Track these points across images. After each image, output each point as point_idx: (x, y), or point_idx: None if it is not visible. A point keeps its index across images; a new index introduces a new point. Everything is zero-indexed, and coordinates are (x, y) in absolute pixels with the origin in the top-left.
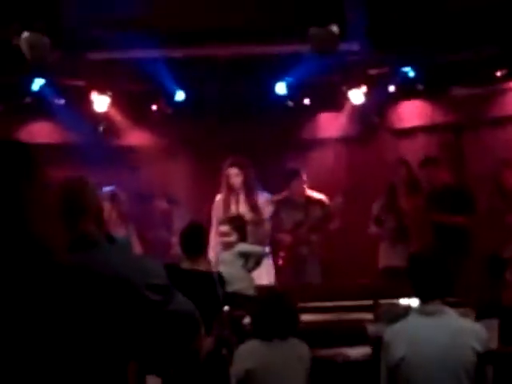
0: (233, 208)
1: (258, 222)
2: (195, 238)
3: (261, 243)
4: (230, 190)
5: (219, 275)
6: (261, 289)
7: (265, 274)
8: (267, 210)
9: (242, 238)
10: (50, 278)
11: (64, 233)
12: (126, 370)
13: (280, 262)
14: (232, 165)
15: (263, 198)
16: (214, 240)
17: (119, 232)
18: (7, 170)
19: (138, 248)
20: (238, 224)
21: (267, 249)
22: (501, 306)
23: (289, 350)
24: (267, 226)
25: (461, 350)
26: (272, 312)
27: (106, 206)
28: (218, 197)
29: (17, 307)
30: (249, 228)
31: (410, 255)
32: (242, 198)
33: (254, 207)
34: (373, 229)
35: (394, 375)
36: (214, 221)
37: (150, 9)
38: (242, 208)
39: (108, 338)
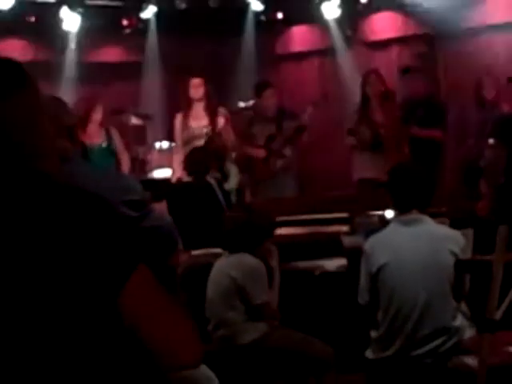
0: (192, 124)
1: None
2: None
3: None
4: (190, 102)
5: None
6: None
7: None
8: (220, 122)
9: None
10: (33, 193)
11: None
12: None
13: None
14: (194, 75)
15: (221, 111)
16: (177, 160)
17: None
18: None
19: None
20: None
21: None
22: (474, 216)
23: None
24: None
25: (442, 254)
26: (238, 227)
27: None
28: (178, 117)
29: None
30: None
31: (390, 168)
32: (201, 111)
33: (214, 119)
34: (349, 140)
35: (375, 282)
36: (177, 141)
37: None
38: (203, 122)
39: (84, 253)
